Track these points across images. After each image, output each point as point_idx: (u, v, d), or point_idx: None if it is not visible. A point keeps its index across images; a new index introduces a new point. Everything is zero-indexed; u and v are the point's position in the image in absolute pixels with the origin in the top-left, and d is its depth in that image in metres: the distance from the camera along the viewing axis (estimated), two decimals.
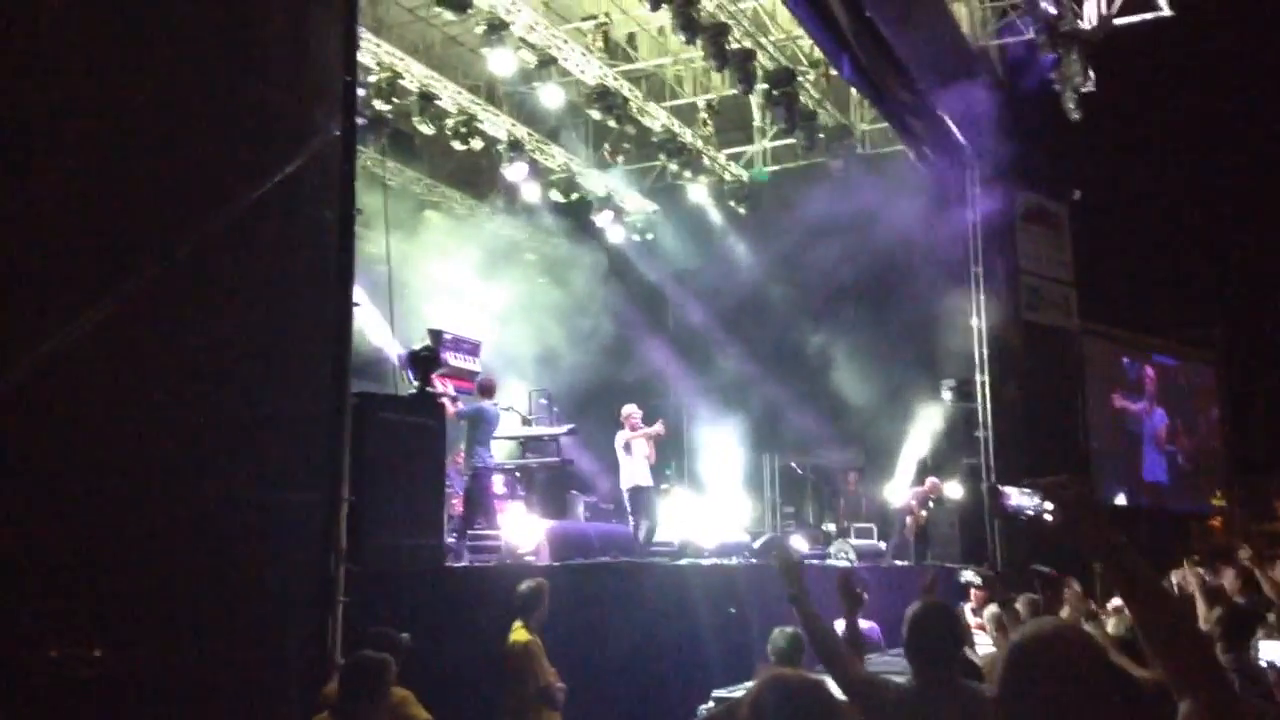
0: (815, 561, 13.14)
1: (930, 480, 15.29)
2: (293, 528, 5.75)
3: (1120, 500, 20.58)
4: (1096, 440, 20.41)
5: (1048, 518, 1.95)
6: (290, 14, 6.17)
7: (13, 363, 4.53)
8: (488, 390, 10.45)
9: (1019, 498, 2.04)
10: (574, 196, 18.02)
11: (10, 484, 4.47)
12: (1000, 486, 2.09)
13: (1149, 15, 14.90)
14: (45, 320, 4.68)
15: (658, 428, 11.87)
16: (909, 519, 14.77)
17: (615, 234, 18.71)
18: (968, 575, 9.36)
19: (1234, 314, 23.82)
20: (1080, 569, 8.40)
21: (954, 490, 15.64)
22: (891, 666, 5.61)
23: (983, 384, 16.38)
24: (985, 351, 16.40)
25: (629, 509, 11.58)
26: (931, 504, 15.00)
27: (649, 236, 19.37)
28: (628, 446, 11.57)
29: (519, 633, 6.51)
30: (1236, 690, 2.10)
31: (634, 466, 11.55)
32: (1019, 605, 6.01)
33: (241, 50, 5.79)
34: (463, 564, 8.54)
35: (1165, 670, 1.87)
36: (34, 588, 4.48)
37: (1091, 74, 14.99)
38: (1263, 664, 5.17)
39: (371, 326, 10.24)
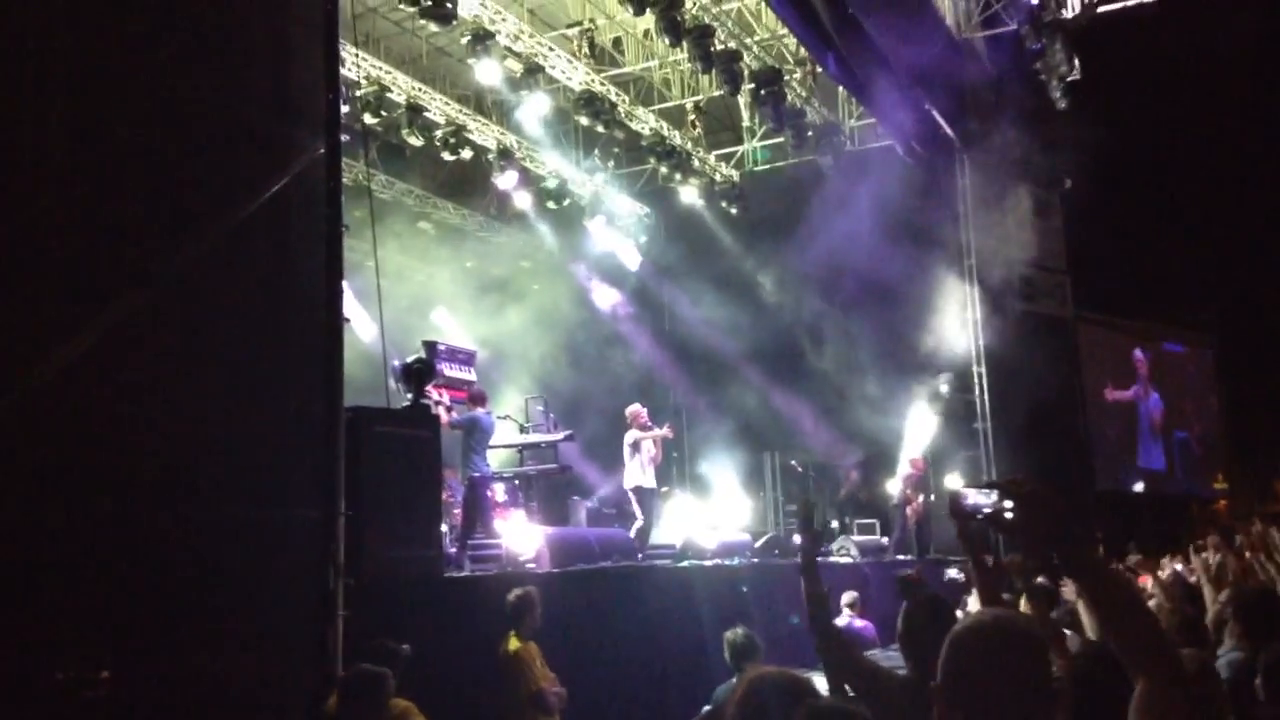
0: (818, 559, 13.16)
1: (913, 460, 15.21)
2: (291, 543, 5.79)
3: (1118, 487, 20.66)
4: (1095, 428, 20.47)
5: (1007, 515, 1.99)
6: (271, 33, 6.22)
7: (9, 384, 4.57)
8: (480, 400, 10.51)
9: (976, 497, 2.09)
10: (565, 202, 18.06)
11: (11, 505, 4.51)
12: (958, 488, 2.13)
13: (1131, 1, 14.94)
14: (39, 342, 4.72)
15: (665, 430, 11.88)
16: (908, 509, 14.75)
17: (607, 238, 18.75)
18: (952, 573, 9.38)
19: (1231, 297, 23.83)
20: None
21: (954, 483, 15.65)
22: (892, 663, 5.64)
23: (980, 376, 16.41)
24: (981, 343, 16.43)
25: (636, 507, 11.57)
26: (923, 499, 14.94)
27: (641, 239, 19.43)
28: (636, 445, 11.52)
29: (510, 641, 6.60)
30: (1187, 672, 2.14)
31: (638, 466, 11.52)
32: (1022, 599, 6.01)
33: (223, 71, 5.84)
34: (462, 574, 8.57)
35: (1120, 654, 1.92)
36: (39, 610, 4.52)
37: (1076, 62, 15.04)
38: None
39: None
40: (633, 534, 11.33)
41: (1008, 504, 2.00)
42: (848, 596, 9.65)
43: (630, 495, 11.68)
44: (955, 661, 1.98)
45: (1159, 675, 1.88)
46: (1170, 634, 4.18)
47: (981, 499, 2.07)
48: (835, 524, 16.58)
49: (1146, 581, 9.98)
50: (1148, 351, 23.03)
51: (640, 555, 10.84)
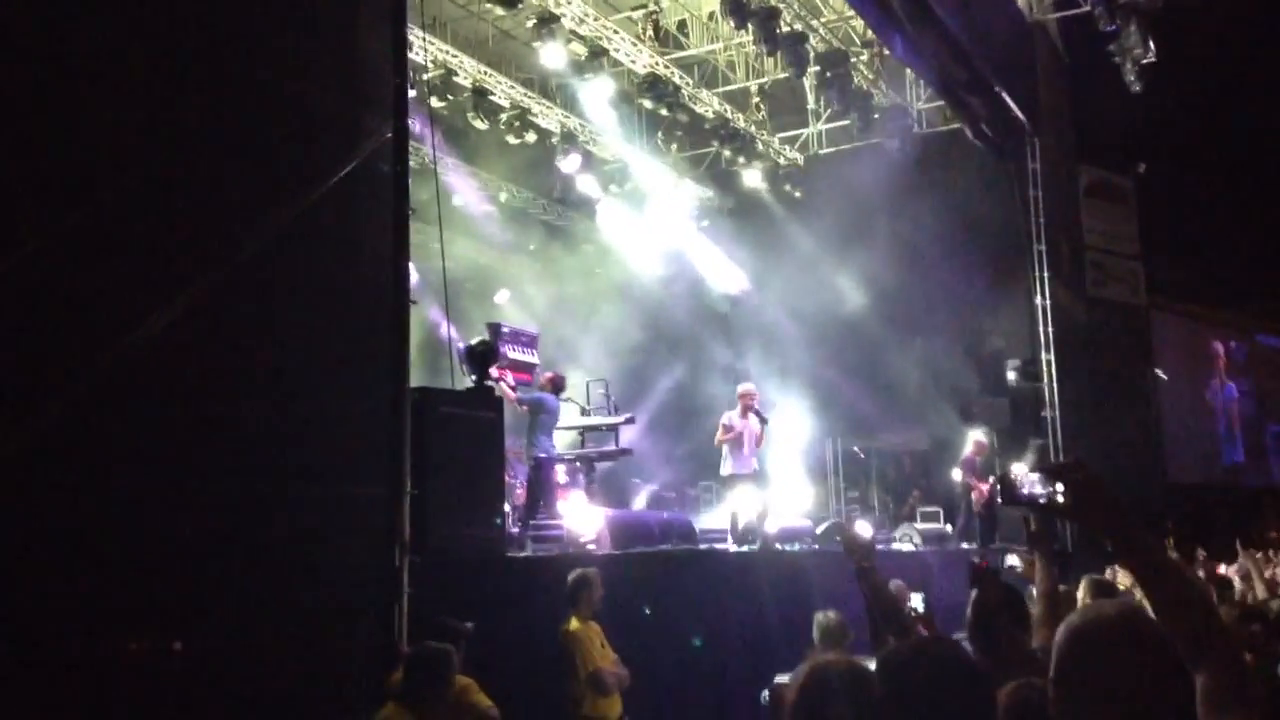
0: (880, 547, 13.08)
1: (975, 441, 14.96)
2: (358, 520, 5.89)
3: (1193, 479, 20.22)
4: (1168, 419, 20.04)
5: (1060, 499, 1.97)
6: (339, 17, 6.29)
7: (88, 368, 4.70)
8: (559, 385, 10.55)
9: (1030, 483, 2.07)
10: (628, 186, 18.06)
11: (89, 482, 4.65)
12: (1010, 473, 2.12)
13: None
14: (116, 325, 4.84)
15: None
16: (973, 495, 14.52)
17: (670, 221, 18.70)
18: (1011, 560, 9.23)
19: None
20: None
21: (1019, 471, 15.38)
22: None
23: (1048, 363, 16.11)
24: (1050, 330, 16.12)
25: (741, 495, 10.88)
26: (988, 485, 14.69)
27: (704, 223, 19.37)
28: (729, 427, 10.85)
29: (571, 621, 6.65)
30: (1248, 664, 2.10)
31: (738, 450, 10.84)
32: (1079, 589, 5.94)
33: (291, 55, 5.92)
34: (524, 554, 8.66)
35: (1178, 645, 1.88)
36: (114, 583, 4.65)
37: (1151, 45, 14.67)
38: None
39: None
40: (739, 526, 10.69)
41: (1059, 489, 1.98)
42: (915, 599, 9.50)
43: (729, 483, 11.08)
44: (1076, 655, 1.94)
45: (1216, 667, 1.83)
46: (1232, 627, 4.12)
47: (1035, 484, 2.06)
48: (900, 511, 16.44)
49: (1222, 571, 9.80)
50: (1241, 343, 22.51)
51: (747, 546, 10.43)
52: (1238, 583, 8.21)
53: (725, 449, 10.94)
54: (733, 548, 10.57)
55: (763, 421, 10.91)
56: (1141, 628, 1.96)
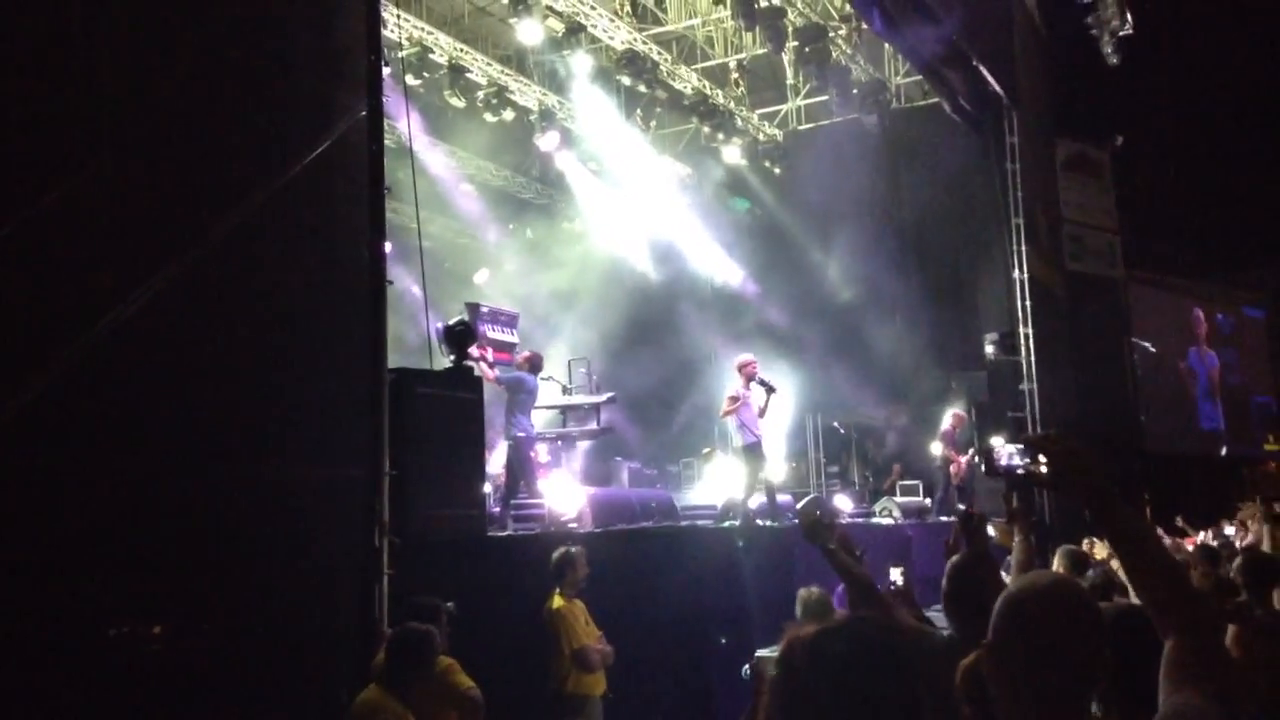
0: (860, 520, 13.15)
1: (954, 414, 15.02)
2: (336, 502, 5.88)
3: (1173, 449, 20.38)
4: (1147, 389, 20.18)
5: (1042, 470, 2.00)
6: None
7: (65, 347, 4.66)
8: (536, 364, 10.51)
9: (1010, 454, 2.10)
10: (607, 163, 17.99)
11: (65, 467, 4.61)
12: (991, 444, 2.15)
13: None
14: (91, 305, 4.80)
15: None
16: (952, 467, 14.60)
17: (649, 198, 18.65)
18: (988, 530, 9.21)
19: None
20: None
21: (999, 444, 15.46)
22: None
23: (1026, 336, 16.17)
24: (1029, 303, 16.18)
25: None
26: (966, 458, 14.79)
27: (684, 199, 19.32)
28: (735, 398, 10.62)
29: (554, 599, 6.67)
30: (1219, 632, 2.15)
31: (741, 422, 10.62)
32: (1055, 559, 6.01)
33: (265, 34, 5.86)
34: (505, 533, 8.66)
35: (1152, 612, 1.92)
36: (92, 569, 4.62)
37: (1129, 17, 14.69)
38: None
39: None
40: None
41: (1041, 459, 2.00)
42: (895, 573, 9.53)
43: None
44: (1011, 621, 1.98)
45: (1188, 628, 1.88)
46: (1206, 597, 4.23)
47: (1014, 455, 2.09)
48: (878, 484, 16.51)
49: (1192, 543, 9.93)
50: (1227, 315, 22.67)
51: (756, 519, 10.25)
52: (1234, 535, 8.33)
53: (732, 422, 10.72)
54: (764, 522, 10.32)
55: (770, 390, 10.84)
56: (1072, 598, 2.00)
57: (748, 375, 10.78)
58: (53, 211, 4.73)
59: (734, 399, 10.66)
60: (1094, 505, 1.96)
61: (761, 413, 10.74)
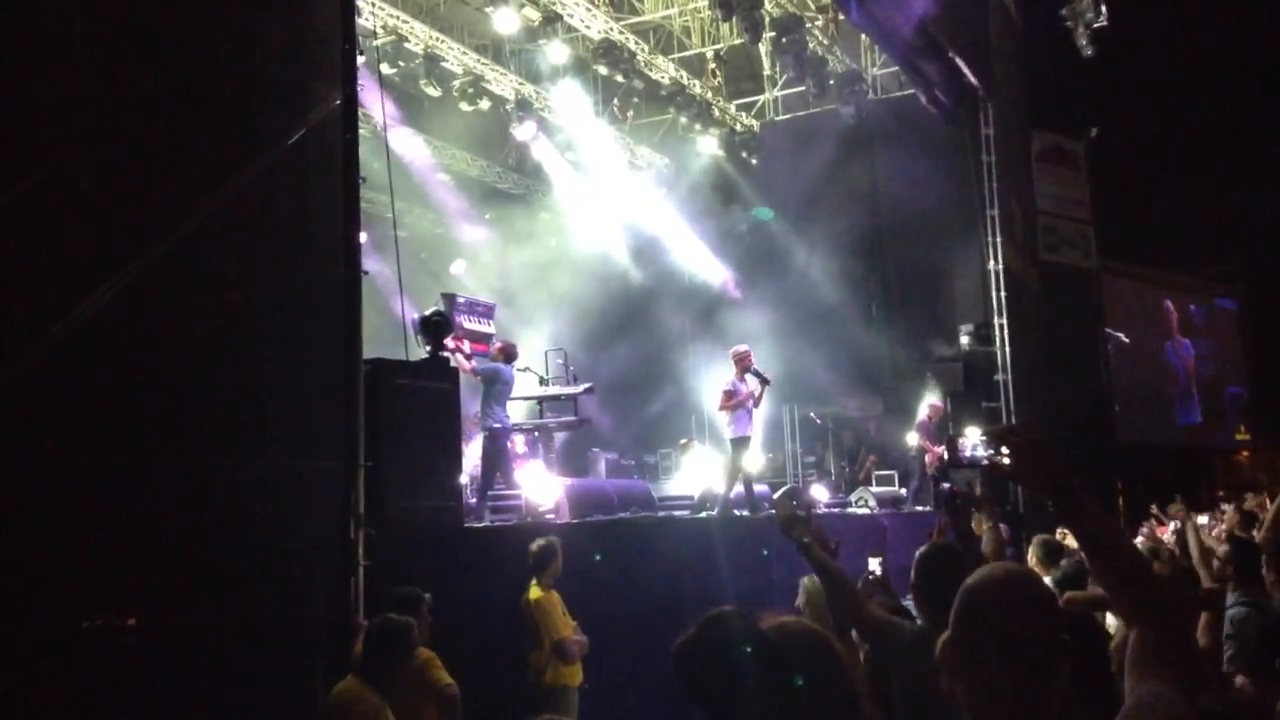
0: (836, 510, 13.22)
1: (930, 405, 15.11)
2: (311, 494, 5.84)
3: (1147, 439, 20.57)
4: (1122, 380, 20.36)
5: (1005, 462, 2.01)
6: None
7: (35, 339, 4.61)
8: (510, 354, 10.47)
9: (974, 445, 2.12)
10: (584, 153, 17.94)
11: (37, 459, 4.57)
12: (956, 436, 2.16)
13: None
14: (62, 297, 4.75)
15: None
16: (927, 457, 14.69)
17: (626, 188, 18.63)
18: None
19: (1257, 247, 23.56)
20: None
21: (972, 435, 15.55)
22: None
23: (1001, 327, 16.27)
24: (1003, 295, 16.27)
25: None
26: (942, 448, 14.85)
27: (660, 190, 19.31)
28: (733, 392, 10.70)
29: (532, 590, 6.68)
30: (1187, 623, 2.18)
31: (742, 413, 10.69)
32: (1029, 549, 6.06)
33: (237, 22, 5.80)
34: (482, 524, 8.64)
35: (1115, 604, 1.94)
36: (65, 562, 4.59)
37: (1104, 9, 14.77)
38: None
39: None
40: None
41: (1004, 451, 2.01)
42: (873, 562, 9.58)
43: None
44: (968, 613, 1.99)
45: (1152, 618, 1.89)
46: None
47: (978, 447, 2.10)
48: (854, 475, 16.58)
49: (1164, 532, 10.02)
50: (1200, 306, 22.88)
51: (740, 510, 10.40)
52: (1169, 540, 8.41)
53: (728, 414, 10.75)
54: (746, 513, 10.43)
55: (764, 382, 10.88)
56: (1028, 589, 2.00)
57: (744, 366, 10.84)
58: (21, 200, 4.68)
59: (731, 393, 10.71)
60: (1056, 497, 1.97)
61: (756, 403, 10.79)
